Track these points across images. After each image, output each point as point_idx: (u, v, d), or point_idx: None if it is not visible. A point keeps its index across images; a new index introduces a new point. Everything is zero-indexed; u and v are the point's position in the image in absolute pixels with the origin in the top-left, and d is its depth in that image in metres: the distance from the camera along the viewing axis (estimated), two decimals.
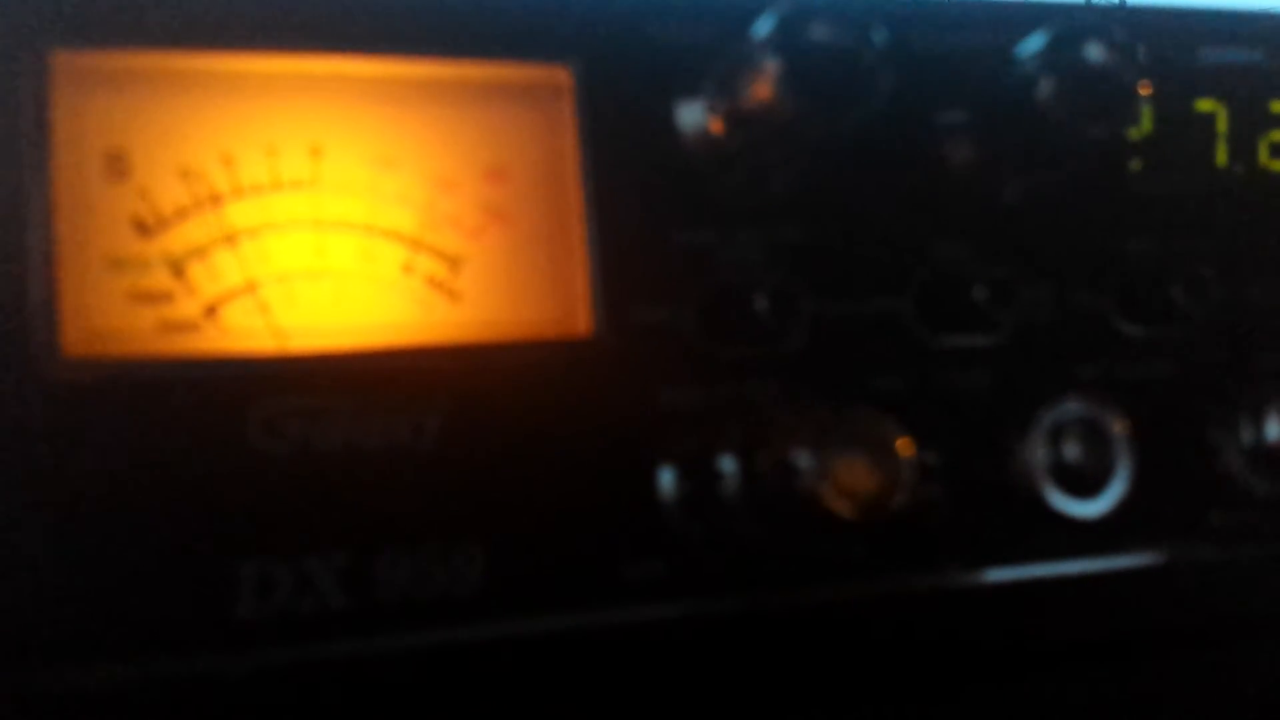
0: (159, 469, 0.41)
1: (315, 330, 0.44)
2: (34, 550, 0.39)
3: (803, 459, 0.41)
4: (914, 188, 0.50)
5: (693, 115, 0.46)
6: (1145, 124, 0.54)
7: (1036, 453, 0.48)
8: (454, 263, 0.45)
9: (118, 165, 0.42)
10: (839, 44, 0.42)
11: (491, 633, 0.43)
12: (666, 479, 0.46)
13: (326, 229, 0.44)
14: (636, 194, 0.46)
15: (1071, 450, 0.48)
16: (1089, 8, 0.56)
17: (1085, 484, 0.48)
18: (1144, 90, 0.47)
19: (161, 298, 0.42)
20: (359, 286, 0.44)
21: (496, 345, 0.45)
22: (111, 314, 0.42)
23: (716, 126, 0.46)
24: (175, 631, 0.40)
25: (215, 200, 0.43)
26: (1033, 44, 0.47)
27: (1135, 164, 0.53)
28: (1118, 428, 0.49)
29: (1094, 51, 0.46)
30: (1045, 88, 0.46)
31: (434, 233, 0.45)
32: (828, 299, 0.48)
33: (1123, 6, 0.56)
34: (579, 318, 0.46)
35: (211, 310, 0.43)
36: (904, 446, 0.42)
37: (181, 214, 0.43)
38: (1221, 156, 0.55)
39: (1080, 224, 0.52)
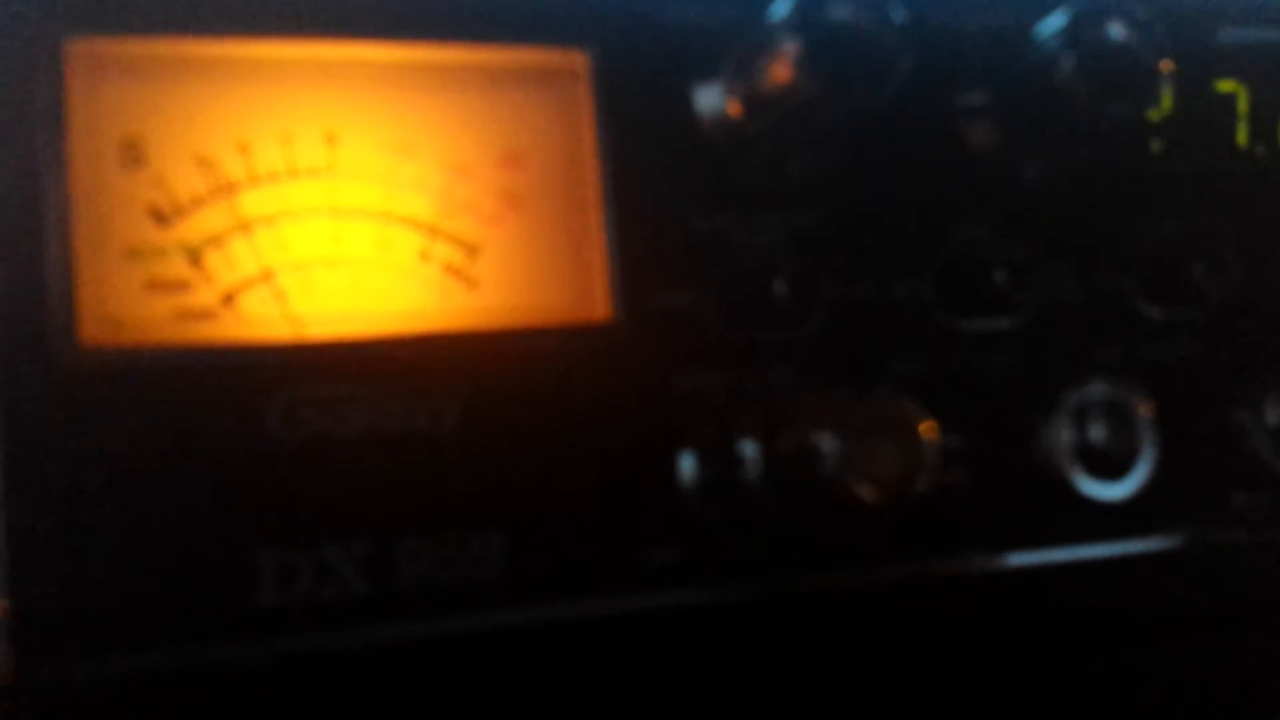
0: (177, 458, 0.40)
1: (333, 318, 0.43)
2: (53, 541, 0.39)
3: (824, 443, 0.41)
4: (934, 169, 0.49)
5: (711, 98, 0.46)
6: (1166, 104, 0.53)
7: (1061, 435, 0.47)
8: (471, 249, 0.45)
9: (133, 153, 0.42)
10: (858, 24, 0.42)
11: (512, 619, 0.43)
12: (686, 464, 0.45)
13: (343, 216, 0.44)
14: (654, 178, 0.46)
15: (1096, 432, 0.48)
16: None
17: (1110, 466, 0.48)
18: (1165, 69, 0.46)
19: (179, 286, 0.42)
20: (376, 274, 0.44)
21: (515, 331, 0.44)
22: (129, 303, 0.41)
23: (735, 109, 0.45)
24: (196, 620, 0.40)
25: (231, 188, 0.43)
26: (1053, 23, 0.47)
27: (1156, 144, 0.53)
28: (1142, 410, 0.48)
29: (1114, 31, 0.46)
30: (1065, 67, 0.46)
31: (451, 219, 0.45)
32: (848, 282, 0.48)
33: None
34: (597, 303, 0.45)
35: (229, 299, 0.43)
36: (927, 430, 0.41)
37: (198, 202, 0.43)
38: (1242, 137, 0.55)
39: (1101, 205, 0.52)
